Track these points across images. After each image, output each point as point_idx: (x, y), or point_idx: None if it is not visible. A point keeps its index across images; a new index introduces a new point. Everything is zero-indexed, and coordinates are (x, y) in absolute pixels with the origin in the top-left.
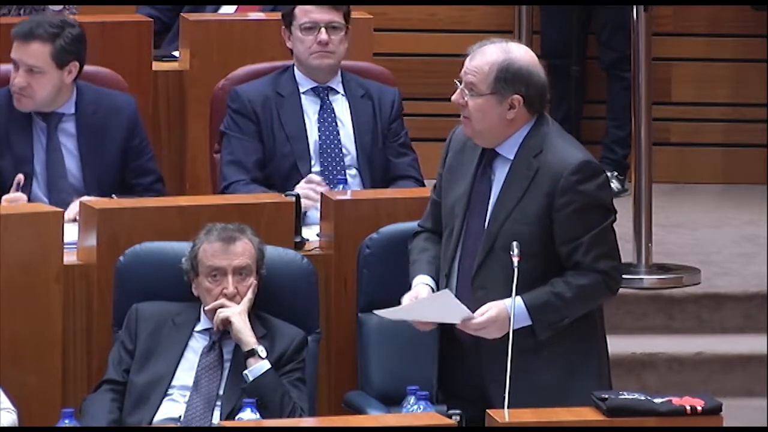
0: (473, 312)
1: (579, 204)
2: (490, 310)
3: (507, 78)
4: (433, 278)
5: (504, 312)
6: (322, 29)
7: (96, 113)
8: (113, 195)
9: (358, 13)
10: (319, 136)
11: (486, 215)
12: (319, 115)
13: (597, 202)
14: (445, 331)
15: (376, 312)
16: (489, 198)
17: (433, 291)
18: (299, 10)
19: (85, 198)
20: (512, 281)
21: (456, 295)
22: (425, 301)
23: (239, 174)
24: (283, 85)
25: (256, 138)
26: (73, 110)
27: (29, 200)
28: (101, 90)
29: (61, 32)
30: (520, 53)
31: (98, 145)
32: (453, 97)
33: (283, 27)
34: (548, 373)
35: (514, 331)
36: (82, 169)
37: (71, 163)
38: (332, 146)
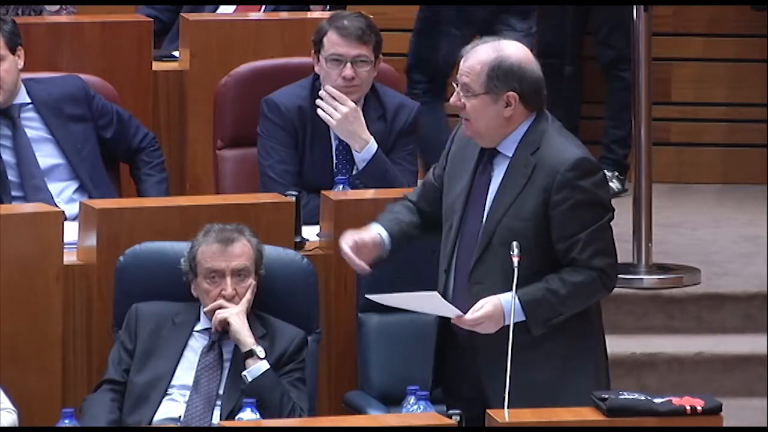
0: (469, 307)
1: (575, 200)
2: (485, 305)
3: (499, 75)
4: (388, 232)
5: (498, 307)
6: (348, 64)
7: (51, 94)
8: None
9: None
10: (336, 164)
11: (483, 212)
12: (338, 142)
13: (594, 199)
14: (443, 328)
15: (368, 296)
16: (487, 195)
17: (383, 240)
18: (327, 40)
19: (86, 200)
20: (509, 277)
21: (453, 290)
22: (414, 295)
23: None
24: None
25: (293, 148)
26: (28, 99)
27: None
28: (41, 77)
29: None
30: (512, 50)
31: (67, 126)
32: (451, 100)
33: (313, 51)
34: (544, 369)
35: (509, 326)
36: (65, 154)
37: (50, 151)
38: (343, 171)
